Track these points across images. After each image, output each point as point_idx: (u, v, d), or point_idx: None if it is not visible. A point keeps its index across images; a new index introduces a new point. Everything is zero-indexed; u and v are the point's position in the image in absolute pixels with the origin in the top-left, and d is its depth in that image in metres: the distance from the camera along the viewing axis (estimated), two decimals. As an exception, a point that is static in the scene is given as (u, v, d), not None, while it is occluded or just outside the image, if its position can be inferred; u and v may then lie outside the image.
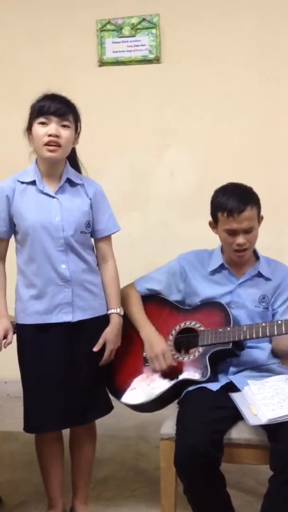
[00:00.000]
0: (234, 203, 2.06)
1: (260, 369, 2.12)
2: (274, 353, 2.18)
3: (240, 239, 2.09)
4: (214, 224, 2.18)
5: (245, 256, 2.16)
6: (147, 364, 2.18)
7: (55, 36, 3.63)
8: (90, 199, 2.15)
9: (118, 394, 2.18)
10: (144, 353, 2.19)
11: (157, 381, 2.12)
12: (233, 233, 2.09)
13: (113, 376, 2.21)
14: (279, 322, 1.99)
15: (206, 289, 2.20)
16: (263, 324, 2.02)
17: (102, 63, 3.60)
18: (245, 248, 2.12)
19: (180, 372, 2.09)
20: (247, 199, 2.08)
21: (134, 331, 2.24)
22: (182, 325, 2.18)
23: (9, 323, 2.10)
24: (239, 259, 2.16)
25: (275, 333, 1.99)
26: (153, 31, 3.51)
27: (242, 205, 2.06)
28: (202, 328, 2.13)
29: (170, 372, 2.11)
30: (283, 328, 1.97)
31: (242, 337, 2.03)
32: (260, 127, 3.50)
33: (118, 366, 2.21)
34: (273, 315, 2.17)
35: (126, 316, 2.27)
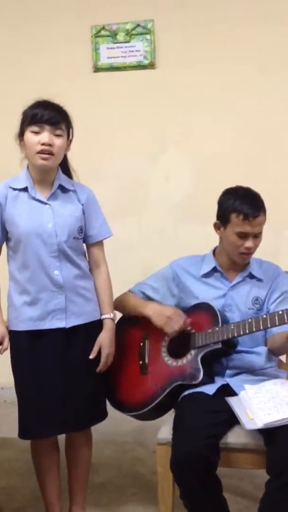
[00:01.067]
0: (250, 207, 2.09)
1: (257, 373, 2.13)
2: (272, 352, 2.19)
3: (250, 243, 2.12)
4: (221, 225, 2.18)
5: (248, 259, 2.20)
6: (143, 373, 2.18)
7: (50, 42, 3.64)
8: (83, 204, 2.16)
9: (120, 407, 2.20)
10: (140, 361, 2.20)
11: (153, 390, 2.12)
12: (244, 236, 2.11)
13: (113, 389, 2.22)
14: (264, 316, 2.00)
15: (200, 292, 2.22)
16: (249, 320, 2.02)
17: (97, 69, 3.61)
18: (252, 251, 2.15)
19: (174, 377, 2.09)
20: (260, 205, 2.13)
21: (127, 340, 2.26)
22: None
23: (4, 329, 2.09)
24: (243, 261, 2.19)
25: (261, 327, 2.00)
26: (148, 36, 3.52)
27: (257, 210, 2.10)
28: (193, 331, 2.14)
29: (164, 378, 2.11)
30: (268, 322, 1.98)
31: (230, 335, 2.04)
32: (256, 132, 3.51)
33: (116, 379, 2.22)
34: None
35: (118, 326, 2.26)
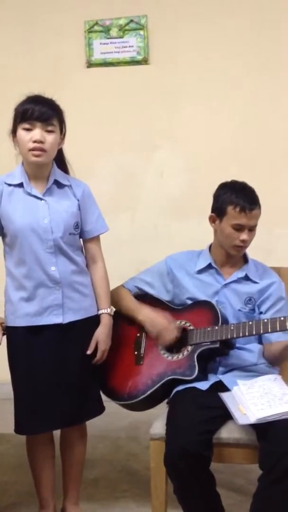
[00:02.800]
0: (246, 200, 2.12)
1: (249, 369, 2.14)
2: (266, 359, 2.19)
3: (245, 236, 2.14)
4: (217, 217, 2.19)
5: (242, 251, 2.21)
6: (138, 364, 2.19)
7: (43, 37, 3.63)
8: (78, 200, 2.15)
9: (111, 395, 2.19)
10: (136, 352, 2.21)
11: (146, 380, 2.12)
12: (239, 228, 2.13)
13: (106, 377, 2.22)
14: (265, 320, 2.02)
15: (193, 288, 2.22)
16: (250, 323, 2.04)
17: (90, 64, 3.61)
18: (246, 245, 2.17)
19: (169, 370, 2.10)
20: (257, 199, 2.16)
21: (125, 330, 2.26)
22: None
23: (-2, 325, 2.10)
24: (238, 253, 2.21)
25: (261, 331, 2.02)
26: (141, 32, 3.52)
27: (253, 203, 2.13)
28: (192, 327, 2.14)
29: (158, 371, 2.12)
30: (269, 327, 1.99)
31: (229, 336, 2.05)
32: (249, 129, 3.51)
33: (110, 367, 2.22)
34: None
35: (116, 316, 2.27)
